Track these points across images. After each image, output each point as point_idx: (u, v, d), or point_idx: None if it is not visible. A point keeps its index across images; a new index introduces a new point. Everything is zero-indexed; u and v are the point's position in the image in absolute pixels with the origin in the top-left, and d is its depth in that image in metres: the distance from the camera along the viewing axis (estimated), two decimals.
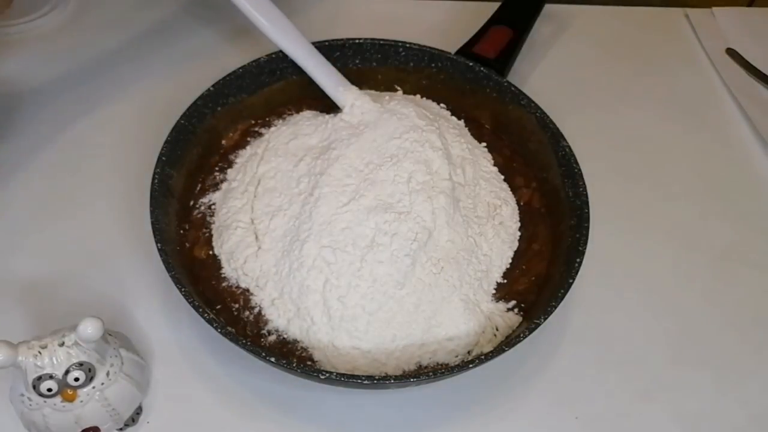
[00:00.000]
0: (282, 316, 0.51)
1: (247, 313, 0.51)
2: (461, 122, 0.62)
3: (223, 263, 0.53)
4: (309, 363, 0.49)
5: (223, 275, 0.53)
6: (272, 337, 0.50)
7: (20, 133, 0.64)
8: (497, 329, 0.51)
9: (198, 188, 0.58)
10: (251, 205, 0.55)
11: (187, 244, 0.54)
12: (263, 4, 0.58)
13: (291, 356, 0.49)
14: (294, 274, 0.50)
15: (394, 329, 0.49)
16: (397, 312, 0.49)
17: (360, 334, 0.49)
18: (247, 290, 0.52)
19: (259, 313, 0.51)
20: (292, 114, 0.62)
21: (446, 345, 0.50)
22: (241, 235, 0.53)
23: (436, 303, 0.50)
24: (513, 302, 0.53)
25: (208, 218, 0.56)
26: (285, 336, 0.50)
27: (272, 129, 0.61)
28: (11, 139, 0.63)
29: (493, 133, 0.63)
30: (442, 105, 0.64)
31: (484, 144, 0.61)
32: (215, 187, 0.58)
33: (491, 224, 0.55)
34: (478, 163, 0.58)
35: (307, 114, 0.61)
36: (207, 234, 0.55)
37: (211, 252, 0.54)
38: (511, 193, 0.58)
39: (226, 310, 0.51)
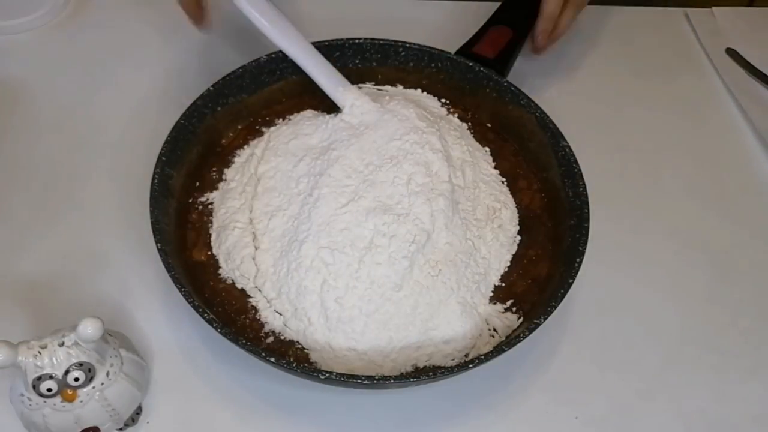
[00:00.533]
0: (279, 318, 0.51)
1: (243, 314, 0.51)
2: (463, 124, 0.62)
3: (221, 263, 0.53)
4: (307, 364, 0.49)
5: (220, 276, 0.53)
6: (270, 339, 0.50)
7: (20, 132, 0.64)
8: (496, 330, 0.51)
9: (197, 188, 0.58)
10: (250, 205, 0.55)
11: (186, 244, 0.54)
12: (263, 5, 0.57)
13: (288, 357, 0.49)
14: (292, 274, 0.50)
15: (391, 331, 0.49)
16: (394, 314, 0.49)
17: (357, 335, 0.49)
18: (244, 291, 0.52)
19: (257, 314, 0.51)
20: (292, 114, 0.62)
21: (443, 348, 0.50)
22: (239, 235, 0.53)
23: (433, 305, 0.50)
24: (510, 303, 0.53)
25: (206, 218, 0.56)
26: (282, 337, 0.50)
27: (272, 128, 0.61)
28: (11, 139, 0.63)
29: (498, 135, 0.63)
30: (443, 100, 0.64)
31: (487, 149, 0.61)
32: (213, 187, 0.58)
33: (490, 227, 0.55)
34: (479, 166, 0.58)
35: (307, 114, 0.61)
36: (206, 234, 0.55)
37: (209, 252, 0.54)
38: (510, 196, 0.58)
39: (223, 311, 0.51)
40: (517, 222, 0.57)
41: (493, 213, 0.56)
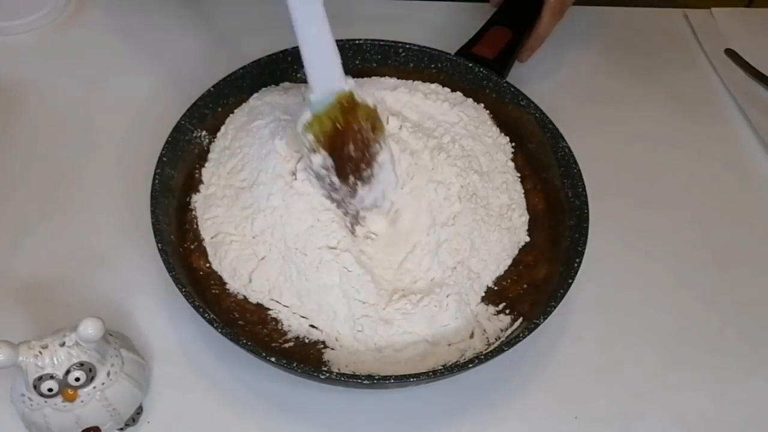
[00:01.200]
0: (304, 323, 0.49)
1: (261, 325, 0.50)
2: (483, 110, 0.62)
3: (227, 279, 0.52)
4: (309, 365, 0.49)
5: (229, 290, 0.51)
6: (290, 344, 0.49)
7: (20, 132, 0.64)
8: (485, 331, 0.51)
9: (193, 188, 0.56)
10: (232, 212, 0.53)
11: (187, 247, 0.54)
12: None
13: (307, 358, 0.49)
14: (306, 275, 0.49)
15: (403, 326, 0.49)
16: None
17: (372, 324, 0.48)
18: (261, 305, 0.51)
19: (277, 324, 0.50)
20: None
21: (439, 340, 0.49)
22: (237, 249, 0.51)
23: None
24: (503, 306, 0.52)
25: (196, 225, 0.55)
26: (307, 340, 0.49)
27: (232, 115, 0.59)
28: (10, 139, 0.63)
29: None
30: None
31: (508, 138, 0.60)
32: (196, 189, 0.56)
33: (496, 226, 0.54)
34: (497, 156, 0.58)
35: (271, 93, 0.60)
36: (203, 243, 0.54)
37: (208, 265, 0.53)
38: (523, 196, 0.57)
39: (239, 325, 0.50)
40: (527, 227, 0.56)
41: (506, 211, 0.55)
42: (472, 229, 0.53)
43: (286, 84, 0.62)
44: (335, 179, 0.50)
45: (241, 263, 0.51)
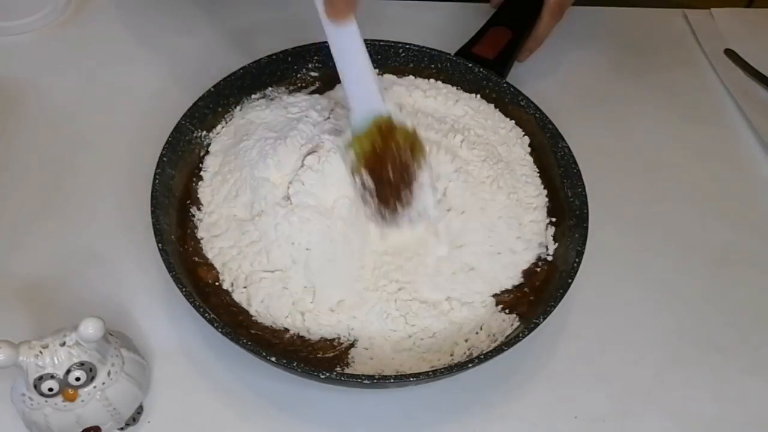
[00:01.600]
0: (352, 333, 0.50)
1: (290, 338, 0.50)
2: (490, 105, 0.62)
3: (252, 312, 0.50)
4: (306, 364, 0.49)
5: (254, 318, 0.50)
6: (323, 348, 0.49)
7: (20, 132, 0.64)
8: (481, 328, 0.51)
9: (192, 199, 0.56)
10: (241, 248, 0.51)
11: (186, 247, 0.53)
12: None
13: (338, 359, 0.49)
14: (363, 297, 0.50)
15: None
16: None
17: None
18: (301, 336, 0.50)
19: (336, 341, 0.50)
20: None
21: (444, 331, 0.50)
22: (268, 287, 0.50)
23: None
24: (501, 307, 0.52)
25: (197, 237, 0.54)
26: (344, 342, 0.50)
27: (220, 131, 0.59)
28: (11, 139, 0.63)
29: None
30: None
31: (521, 131, 0.60)
32: (196, 203, 0.55)
33: (518, 224, 0.55)
34: (514, 149, 0.58)
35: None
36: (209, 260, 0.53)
37: (216, 283, 0.52)
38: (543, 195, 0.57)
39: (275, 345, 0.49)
40: (550, 233, 0.55)
41: (528, 205, 0.56)
42: (505, 211, 0.54)
43: (268, 90, 0.61)
44: (376, 201, 0.51)
45: (274, 302, 0.50)
